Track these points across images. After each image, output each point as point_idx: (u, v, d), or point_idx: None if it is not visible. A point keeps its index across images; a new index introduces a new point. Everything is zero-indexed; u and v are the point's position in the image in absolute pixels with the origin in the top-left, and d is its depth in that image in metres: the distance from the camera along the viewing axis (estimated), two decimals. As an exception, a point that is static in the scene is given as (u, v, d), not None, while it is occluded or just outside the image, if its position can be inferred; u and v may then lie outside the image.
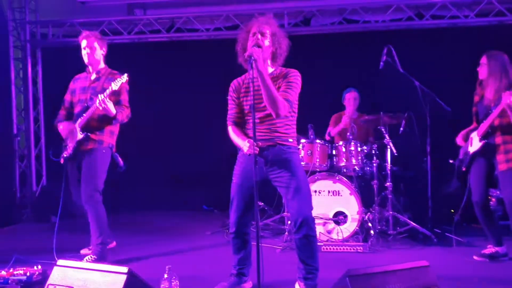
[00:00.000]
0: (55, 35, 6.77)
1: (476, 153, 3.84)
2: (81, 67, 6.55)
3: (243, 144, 3.00)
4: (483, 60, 3.80)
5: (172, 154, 6.73)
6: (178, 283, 2.84)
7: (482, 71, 3.81)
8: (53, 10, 6.67)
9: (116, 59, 6.69)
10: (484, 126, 3.73)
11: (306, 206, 3.00)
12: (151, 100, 6.80)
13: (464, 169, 3.95)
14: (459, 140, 4.09)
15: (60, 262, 2.67)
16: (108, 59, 6.67)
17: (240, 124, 3.18)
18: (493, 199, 5.25)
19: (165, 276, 2.79)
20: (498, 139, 3.72)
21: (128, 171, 6.71)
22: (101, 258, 3.82)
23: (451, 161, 4.21)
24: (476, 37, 5.94)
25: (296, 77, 3.05)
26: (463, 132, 4.08)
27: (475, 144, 3.87)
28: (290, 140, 3.09)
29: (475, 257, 3.90)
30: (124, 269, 2.51)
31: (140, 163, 6.77)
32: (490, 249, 3.89)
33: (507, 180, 3.68)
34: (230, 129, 3.19)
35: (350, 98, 5.38)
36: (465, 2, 6.08)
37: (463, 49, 5.93)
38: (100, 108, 3.70)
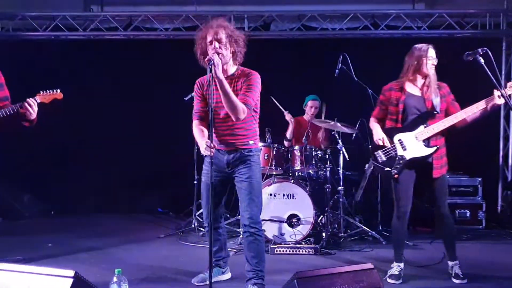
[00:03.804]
0: (5, 28, 6.51)
1: (416, 159, 3.46)
2: (33, 61, 6.38)
3: (201, 144, 3.11)
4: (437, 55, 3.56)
5: (127, 155, 6.60)
6: (127, 287, 2.79)
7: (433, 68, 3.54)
8: (3, 1, 6.41)
9: (70, 56, 6.57)
10: (435, 130, 3.43)
11: (255, 207, 3.21)
12: (105, 99, 6.66)
13: (396, 176, 3.47)
14: (381, 140, 3.53)
15: (1, 265, 2.57)
16: (61, 56, 6.52)
17: (205, 119, 3.29)
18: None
19: (114, 279, 2.74)
20: (434, 142, 3.49)
21: (81, 172, 6.59)
22: None
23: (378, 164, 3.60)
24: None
25: (256, 79, 3.19)
26: (380, 131, 3.58)
27: (416, 148, 3.44)
28: (251, 142, 3.25)
29: (389, 280, 3.52)
30: (71, 272, 2.45)
31: (93, 164, 6.63)
32: (396, 267, 3.60)
33: (444, 186, 3.62)
34: (195, 123, 3.32)
35: (312, 106, 5.48)
36: (418, 14, 6.33)
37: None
38: (31, 111, 3.43)
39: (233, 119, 3.08)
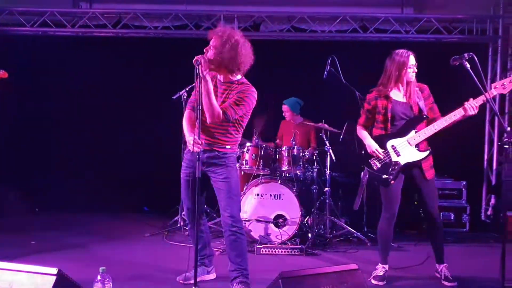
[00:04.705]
0: (-8, 23, 6.44)
1: (409, 164, 3.49)
2: (21, 56, 6.30)
3: (188, 139, 3.19)
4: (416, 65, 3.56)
5: (113, 153, 6.56)
6: (111, 285, 2.78)
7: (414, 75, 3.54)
8: (-10, -4, 6.34)
9: (58, 53, 6.51)
10: (427, 134, 3.45)
11: (235, 207, 3.26)
12: (92, 96, 6.61)
13: (393, 182, 3.48)
14: (374, 149, 3.55)
15: (-17, 263, 2.54)
16: (49, 52, 6.46)
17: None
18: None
19: (98, 278, 2.72)
20: (423, 146, 3.53)
21: (66, 170, 6.53)
22: None
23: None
24: (416, 52, 6.24)
25: (249, 96, 3.19)
26: (373, 142, 3.59)
27: (409, 153, 3.48)
28: (228, 146, 3.28)
29: (373, 282, 3.55)
30: (54, 270, 2.44)
31: (78, 162, 6.57)
32: (381, 268, 3.67)
33: (434, 188, 3.65)
34: (186, 113, 3.39)
35: (283, 111, 5.63)
36: (407, 18, 6.39)
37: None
38: None
39: (207, 120, 3.12)
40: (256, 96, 3.24)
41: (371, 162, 3.59)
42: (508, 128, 3.25)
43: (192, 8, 6.40)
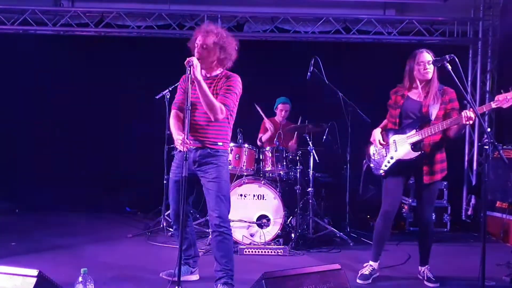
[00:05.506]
0: (-30, 20, 6.32)
1: (404, 161, 3.52)
2: (1, 55, 6.20)
3: (176, 138, 3.17)
4: (429, 62, 3.47)
5: (95, 153, 6.49)
6: (93, 287, 2.75)
7: (429, 74, 3.49)
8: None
9: (39, 51, 6.41)
10: (424, 135, 3.44)
11: (224, 208, 3.22)
12: (73, 96, 6.53)
13: (384, 174, 3.59)
14: (378, 141, 3.64)
15: (-38, 264, 2.49)
16: (30, 51, 6.36)
17: (183, 111, 3.29)
18: (406, 207, 5.62)
19: (80, 279, 2.69)
20: (426, 148, 3.51)
21: (47, 170, 6.44)
22: None
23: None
24: (397, 53, 6.27)
25: (236, 82, 3.23)
26: (379, 132, 3.69)
27: (404, 150, 3.51)
28: (220, 143, 3.26)
29: (358, 281, 3.61)
30: (34, 271, 2.40)
31: (60, 162, 6.49)
32: (368, 267, 3.71)
33: (430, 193, 3.62)
34: (172, 113, 3.36)
35: (283, 109, 5.54)
36: (389, 20, 6.47)
37: (385, 64, 6.28)
38: None
39: (212, 118, 3.12)
40: (241, 81, 3.26)
41: (371, 153, 3.71)
42: (488, 129, 3.27)
43: (175, 7, 6.38)
